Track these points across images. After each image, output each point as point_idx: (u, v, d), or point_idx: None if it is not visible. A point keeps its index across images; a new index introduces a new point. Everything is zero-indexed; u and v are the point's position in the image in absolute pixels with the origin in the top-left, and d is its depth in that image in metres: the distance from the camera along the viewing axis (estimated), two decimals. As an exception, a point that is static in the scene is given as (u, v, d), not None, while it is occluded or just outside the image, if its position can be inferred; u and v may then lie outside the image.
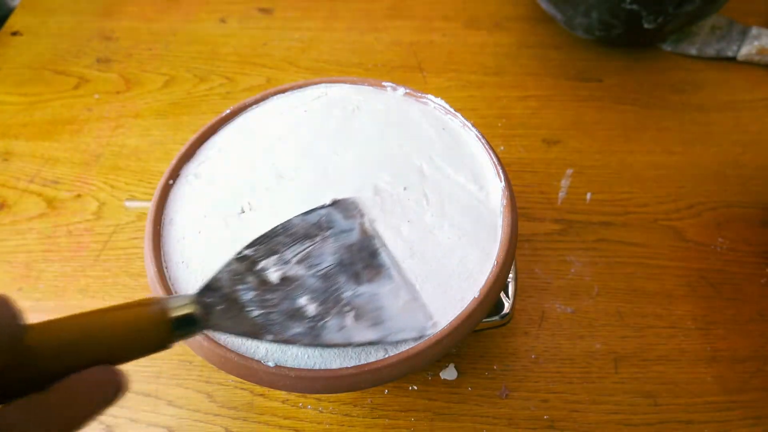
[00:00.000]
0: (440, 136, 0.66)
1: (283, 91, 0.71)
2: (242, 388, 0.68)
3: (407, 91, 0.70)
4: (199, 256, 0.57)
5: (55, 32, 1.13)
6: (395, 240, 0.57)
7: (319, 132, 0.66)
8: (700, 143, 0.89)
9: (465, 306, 0.52)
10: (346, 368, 0.50)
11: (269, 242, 0.55)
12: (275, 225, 0.56)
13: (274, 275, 0.52)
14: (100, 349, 0.38)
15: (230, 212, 0.60)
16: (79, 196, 0.87)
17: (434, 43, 1.07)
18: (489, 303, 0.54)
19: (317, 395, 0.68)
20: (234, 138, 0.67)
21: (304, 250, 0.55)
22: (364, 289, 0.53)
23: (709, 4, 0.89)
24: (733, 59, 1.01)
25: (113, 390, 0.37)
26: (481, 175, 0.62)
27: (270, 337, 0.48)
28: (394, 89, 0.70)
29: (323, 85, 0.72)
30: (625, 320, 0.72)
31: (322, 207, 0.59)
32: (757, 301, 0.73)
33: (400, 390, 0.68)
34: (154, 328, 0.41)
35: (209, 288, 0.48)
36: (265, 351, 0.52)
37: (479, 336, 0.70)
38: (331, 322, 0.51)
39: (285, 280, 0.52)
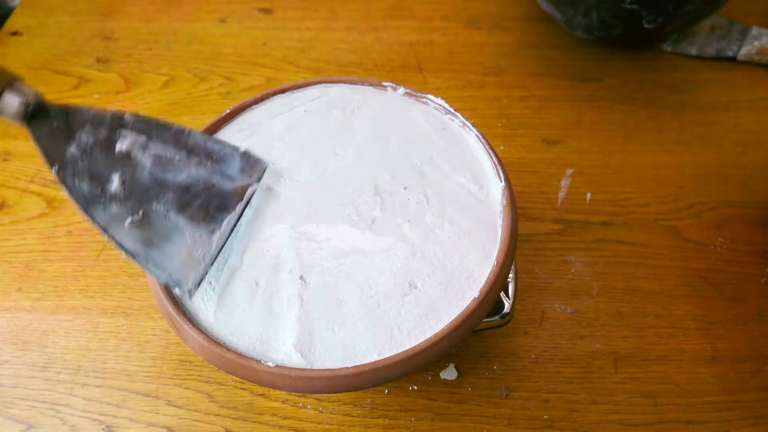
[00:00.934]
0: (440, 136, 0.66)
1: (283, 91, 0.71)
2: (242, 388, 0.68)
3: (407, 91, 0.70)
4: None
5: (55, 32, 1.13)
6: (395, 240, 0.57)
7: (318, 132, 0.66)
8: (700, 143, 0.89)
9: (465, 306, 0.52)
10: (346, 368, 0.49)
11: (154, 128, 0.56)
12: (181, 125, 0.57)
13: (123, 145, 0.53)
14: None
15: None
16: (79, 196, 0.86)
17: (434, 43, 1.07)
18: (489, 303, 0.54)
19: (317, 395, 0.68)
20: (234, 138, 0.66)
21: (172, 156, 0.56)
22: (176, 218, 0.54)
23: (709, 4, 0.89)
24: (733, 59, 1.01)
25: None
26: (481, 174, 0.62)
27: (56, 168, 0.50)
28: (394, 89, 0.70)
29: (323, 85, 0.72)
30: (625, 320, 0.72)
31: (234, 147, 0.60)
32: (756, 300, 0.73)
33: (401, 390, 0.68)
34: None
35: (66, 111, 0.51)
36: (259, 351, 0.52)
37: (479, 336, 0.70)
38: (114, 208, 0.52)
39: (125, 155, 0.54)
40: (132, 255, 0.52)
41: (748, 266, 0.76)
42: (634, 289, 0.74)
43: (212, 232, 0.55)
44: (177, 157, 0.56)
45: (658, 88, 0.98)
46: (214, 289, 0.55)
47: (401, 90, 0.70)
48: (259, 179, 0.59)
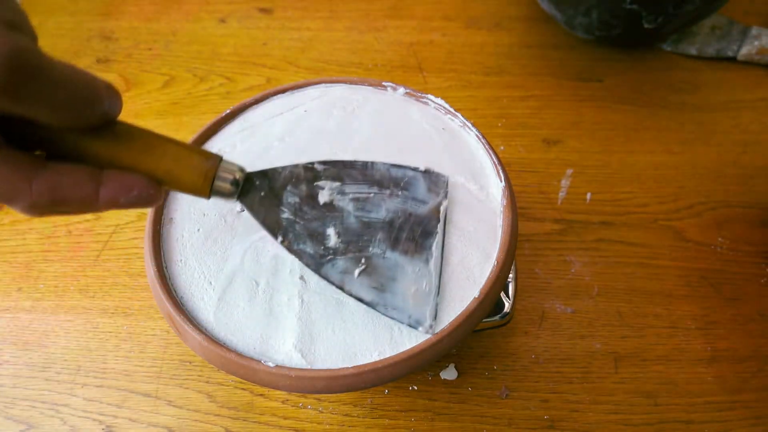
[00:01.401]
0: (440, 136, 0.66)
1: (283, 91, 0.71)
2: (242, 388, 0.69)
3: (407, 91, 0.70)
4: (198, 254, 0.57)
5: (55, 32, 1.13)
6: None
7: (318, 132, 0.66)
8: (700, 143, 0.89)
9: (465, 306, 0.52)
10: (346, 368, 0.49)
11: (342, 169, 0.56)
12: (363, 160, 0.58)
13: (324, 196, 0.54)
14: (151, 162, 0.44)
15: (229, 210, 0.60)
16: (78, 196, 0.86)
17: (434, 43, 1.07)
18: (489, 303, 0.54)
19: (317, 395, 0.68)
20: (234, 138, 0.66)
21: (367, 193, 0.56)
22: (393, 256, 0.54)
23: (709, 4, 0.89)
24: (733, 59, 1.01)
25: (146, 196, 0.43)
26: (481, 174, 0.62)
27: (281, 239, 0.52)
28: (394, 89, 0.70)
29: (323, 85, 0.72)
30: (625, 320, 0.72)
31: (414, 169, 0.60)
32: (756, 300, 0.73)
33: (401, 390, 0.68)
34: (199, 171, 0.46)
35: (265, 175, 0.52)
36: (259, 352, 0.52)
37: (479, 336, 0.70)
38: (340, 263, 0.53)
39: (330, 206, 0.54)
40: (372, 306, 0.52)
41: (748, 266, 0.76)
42: (634, 289, 0.75)
43: (427, 261, 0.55)
44: (371, 193, 0.56)
45: (658, 88, 0.98)
46: (214, 289, 0.55)
47: (401, 90, 0.70)
48: (446, 194, 0.59)
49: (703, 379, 0.68)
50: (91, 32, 1.12)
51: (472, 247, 0.57)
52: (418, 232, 0.56)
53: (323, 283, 0.55)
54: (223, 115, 0.68)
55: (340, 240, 0.54)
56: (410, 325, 0.52)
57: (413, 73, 1.02)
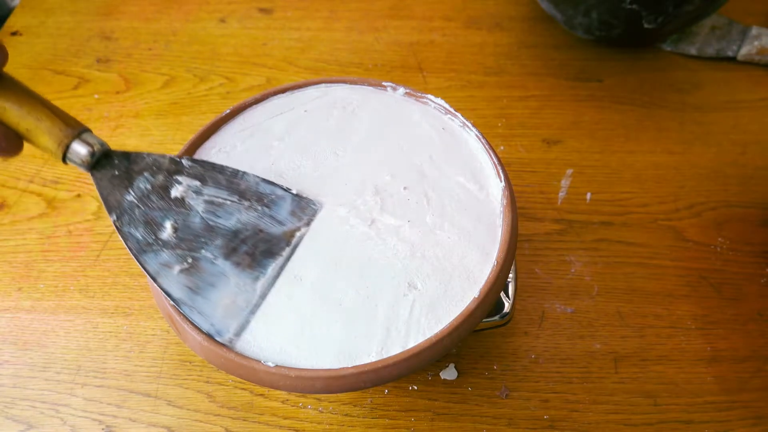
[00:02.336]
0: (440, 136, 0.66)
1: (283, 91, 0.71)
2: (242, 388, 0.69)
3: (407, 91, 0.70)
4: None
5: (55, 32, 1.13)
6: (395, 240, 0.57)
7: (318, 132, 0.66)
8: (700, 143, 0.89)
9: (465, 306, 0.52)
10: (346, 368, 0.49)
11: (208, 171, 0.57)
12: (235, 168, 0.59)
13: (177, 191, 0.55)
14: (14, 117, 0.48)
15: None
16: (79, 196, 0.87)
17: (434, 43, 1.07)
18: (489, 303, 0.54)
19: (317, 395, 0.68)
20: (234, 138, 0.66)
21: (224, 200, 0.57)
22: (223, 264, 0.55)
23: (709, 4, 0.89)
24: (733, 59, 1.01)
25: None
26: (481, 174, 0.62)
27: (114, 217, 0.52)
28: (394, 89, 0.70)
29: (323, 85, 0.72)
30: (625, 320, 0.72)
31: (286, 189, 0.60)
32: (756, 300, 0.73)
33: (401, 390, 0.68)
34: (57, 137, 0.49)
35: (127, 156, 0.54)
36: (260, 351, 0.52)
37: (479, 336, 0.70)
38: (164, 255, 0.53)
39: (179, 201, 0.55)
40: (177, 303, 0.52)
41: (748, 266, 0.76)
42: (634, 289, 0.75)
43: (256, 278, 0.55)
44: (229, 201, 0.57)
45: (658, 88, 0.98)
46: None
47: (401, 90, 0.70)
48: (309, 223, 0.59)
49: (703, 379, 0.68)
50: (91, 32, 1.12)
51: (472, 247, 0.57)
52: (260, 249, 0.56)
53: (322, 283, 0.55)
54: (223, 114, 0.68)
55: (174, 235, 0.54)
56: (208, 333, 0.52)
57: (413, 73, 1.02)
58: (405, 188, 0.61)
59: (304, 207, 0.60)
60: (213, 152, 0.65)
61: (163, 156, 0.55)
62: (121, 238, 0.53)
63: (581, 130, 0.92)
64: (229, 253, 0.55)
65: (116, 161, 0.53)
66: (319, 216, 0.59)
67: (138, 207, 0.54)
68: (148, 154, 0.55)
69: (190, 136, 0.66)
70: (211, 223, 0.55)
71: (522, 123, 0.93)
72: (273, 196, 0.59)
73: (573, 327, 0.72)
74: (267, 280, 0.55)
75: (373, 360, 0.50)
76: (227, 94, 1.00)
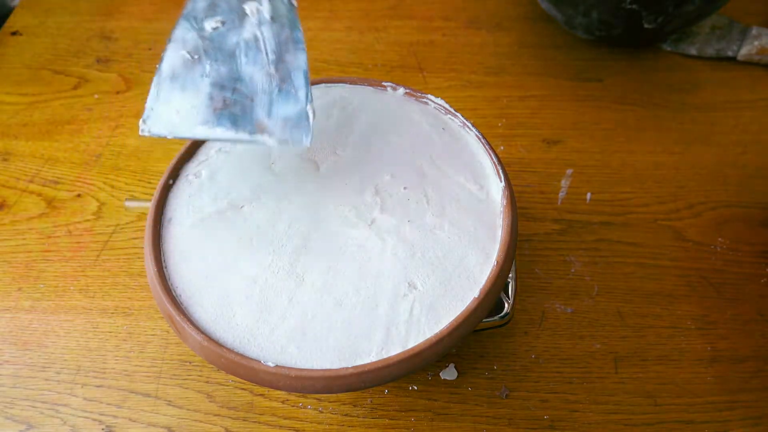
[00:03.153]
0: (440, 136, 0.66)
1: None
2: (242, 388, 0.69)
3: (407, 91, 0.70)
4: (198, 253, 0.57)
5: (55, 32, 1.13)
6: (395, 240, 0.57)
7: (319, 132, 0.66)
8: (700, 143, 0.89)
9: (465, 306, 0.52)
10: (346, 368, 0.50)
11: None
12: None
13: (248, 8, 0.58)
14: None
15: (230, 210, 0.60)
16: (79, 196, 0.87)
17: (434, 43, 1.07)
18: (489, 303, 0.54)
19: (317, 395, 0.68)
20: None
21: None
22: (205, 86, 0.56)
23: (709, 4, 0.89)
24: (733, 59, 1.01)
25: None
26: (481, 174, 0.62)
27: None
28: (394, 89, 0.70)
29: (323, 85, 0.72)
30: (625, 320, 0.72)
31: None
32: (756, 300, 0.73)
33: (401, 390, 0.68)
34: None
35: None
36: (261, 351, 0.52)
37: (479, 336, 0.70)
38: (194, 38, 0.57)
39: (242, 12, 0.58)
40: (157, 75, 0.55)
41: (748, 266, 0.76)
42: (634, 289, 0.75)
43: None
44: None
45: (658, 88, 0.98)
46: (213, 289, 0.55)
47: (401, 90, 0.70)
48: None
49: (703, 379, 0.68)
50: (91, 32, 1.12)
51: (472, 247, 0.57)
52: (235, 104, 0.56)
53: (322, 283, 0.55)
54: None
55: (213, 32, 0.58)
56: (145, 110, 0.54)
57: (413, 73, 1.02)
58: (405, 188, 0.61)
59: None
60: (213, 152, 0.65)
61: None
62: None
63: (581, 130, 0.92)
64: (218, 87, 0.55)
65: None
66: (320, 216, 0.59)
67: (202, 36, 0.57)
68: None
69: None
70: (236, 54, 0.56)
71: (522, 123, 0.93)
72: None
73: (573, 327, 0.72)
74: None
75: (374, 360, 0.50)
76: (227, 95, 1.00)
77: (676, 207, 0.82)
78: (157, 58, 1.00)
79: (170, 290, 0.55)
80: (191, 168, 0.64)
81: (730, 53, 1.00)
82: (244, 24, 0.56)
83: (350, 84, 0.72)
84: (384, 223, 0.58)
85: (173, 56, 0.56)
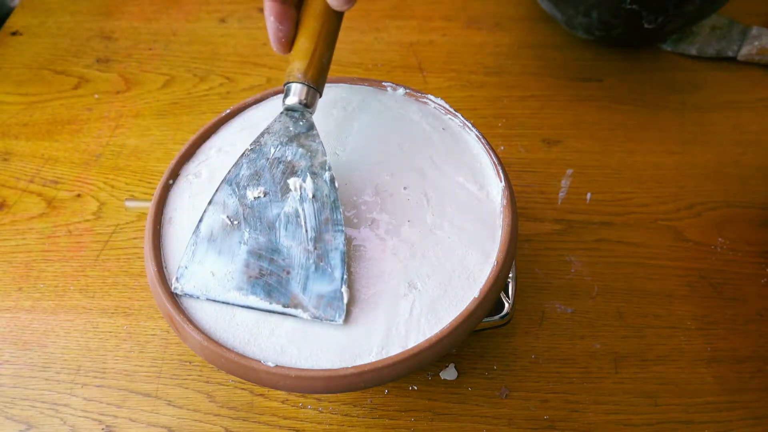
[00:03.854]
0: (440, 136, 0.66)
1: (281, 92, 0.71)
2: (242, 388, 0.69)
3: (407, 91, 0.70)
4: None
5: (55, 32, 1.13)
6: (395, 240, 0.57)
7: (319, 132, 0.66)
8: (700, 143, 0.89)
9: (465, 306, 0.53)
10: (346, 368, 0.50)
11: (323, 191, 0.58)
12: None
13: (292, 181, 0.58)
14: None
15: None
16: (79, 196, 0.87)
17: (434, 43, 1.07)
18: (489, 303, 0.54)
19: (317, 395, 0.68)
20: (234, 137, 0.67)
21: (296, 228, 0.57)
22: (243, 252, 0.56)
23: (710, 4, 0.89)
24: (733, 59, 1.01)
25: None
26: (481, 174, 0.62)
27: (250, 144, 0.59)
28: (394, 89, 0.70)
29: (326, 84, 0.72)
30: (625, 320, 0.72)
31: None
32: (756, 300, 0.73)
33: (401, 390, 0.68)
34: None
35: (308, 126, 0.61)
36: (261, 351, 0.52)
37: (479, 336, 0.71)
38: (234, 204, 0.57)
39: (285, 187, 0.58)
40: (194, 234, 0.56)
41: (748, 266, 0.76)
42: (634, 289, 0.75)
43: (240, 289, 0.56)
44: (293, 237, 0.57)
45: (658, 88, 0.98)
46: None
47: (401, 90, 0.70)
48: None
49: (703, 379, 0.68)
50: (91, 32, 1.12)
51: (472, 247, 0.57)
52: (272, 281, 0.56)
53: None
54: (223, 114, 0.68)
55: (254, 201, 0.58)
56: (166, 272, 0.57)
57: (413, 73, 1.02)
58: (405, 188, 0.61)
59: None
60: (213, 152, 0.66)
61: (320, 147, 0.59)
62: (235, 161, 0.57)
63: (581, 130, 0.92)
64: (255, 255, 0.56)
65: (297, 119, 0.60)
66: None
67: (263, 152, 0.58)
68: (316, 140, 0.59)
69: (190, 136, 0.66)
70: (276, 226, 0.56)
71: (522, 123, 0.93)
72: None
73: (573, 327, 0.72)
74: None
75: (374, 360, 0.50)
76: (227, 94, 1.00)
77: (676, 207, 0.82)
78: (158, 58, 1.00)
79: (170, 290, 0.55)
80: (191, 168, 0.64)
81: (730, 53, 1.00)
82: (287, 198, 0.57)
83: (350, 84, 0.72)
84: (384, 223, 0.58)
85: (213, 218, 0.56)
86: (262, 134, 0.60)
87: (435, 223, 0.58)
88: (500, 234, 0.58)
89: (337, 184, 0.57)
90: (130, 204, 0.85)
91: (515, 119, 0.94)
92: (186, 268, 0.55)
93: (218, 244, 0.56)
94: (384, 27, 1.10)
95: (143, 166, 0.90)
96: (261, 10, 1.14)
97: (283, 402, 0.68)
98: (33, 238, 0.83)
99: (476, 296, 0.53)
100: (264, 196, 0.57)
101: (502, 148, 0.89)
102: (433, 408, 0.67)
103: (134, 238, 0.82)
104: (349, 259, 0.56)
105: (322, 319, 0.52)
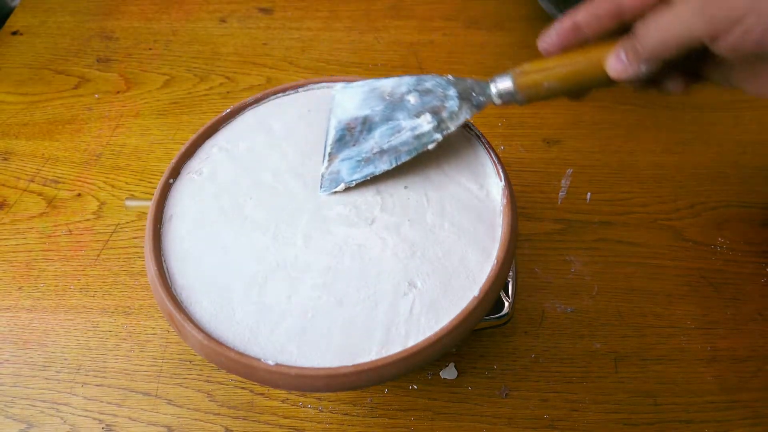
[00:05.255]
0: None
1: (284, 91, 0.71)
2: (242, 387, 0.69)
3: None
4: (198, 252, 0.58)
5: (55, 32, 1.13)
6: (395, 239, 0.57)
7: (319, 131, 0.67)
8: (700, 143, 0.90)
9: (465, 305, 0.53)
10: (347, 366, 0.50)
11: None
12: None
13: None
14: None
15: (230, 209, 0.61)
16: (79, 195, 0.88)
17: (434, 43, 1.07)
18: (489, 301, 0.54)
19: (317, 394, 0.68)
20: (235, 136, 0.67)
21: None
22: None
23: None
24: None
25: None
26: (481, 174, 0.63)
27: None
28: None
29: (324, 84, 0.72)
30: (625, 320, 0.72)
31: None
32: (756, 300, 0.74)
33: (401, 389, 0.68)
34: None
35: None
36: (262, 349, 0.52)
37: (479, 335, 0.71)
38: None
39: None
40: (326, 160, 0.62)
41: (748, 266, 0.77)
42: (634, 288, 0.75)
43: None
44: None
45: (658, 88, 0.98)
46: (214, 287, 0.55)
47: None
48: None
49: (703, 378, 0.68)
50: (91, 31, 1.12)
51: (472, 247, 0.57)
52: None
53: (322, 282, 0.55)
54: (224, 114, 0.68)
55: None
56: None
57: (414, 73, 1.02)
58: (405, 187, 0.61)
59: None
60: (214, 150, 0.66)
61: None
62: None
63: (581, 130, 0.92)
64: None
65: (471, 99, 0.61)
66: (320, 216, 0.59)
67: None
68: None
69: (191, 136, 0.66)
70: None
71: (522, 123, 0.93)
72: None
73: (573, 326, 0.72)
74: None
75: (374, 359, 0.50)
76: (227, 94, 1.00)
77: (676, 207, 0.82)
78: (158, 58, 1.01)
79: (170, 289, 0.55)
80: (193, 166, 0.65)
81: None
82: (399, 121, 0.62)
83: (350, 82, 0.72)
84: (384, 222, 0.58)
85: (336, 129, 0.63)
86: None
87: (435, 223, 0.58)
88: (500, 233, 0.58)
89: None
90: (130, 203, 0.85)
91: (515, 119, 0.94)
92: (326, 168, 0.61)
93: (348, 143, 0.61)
94: (384, 27, 1.10)
95: (143, 166, 0.91)
96: (261, 9, 1.14)
97: (283, 401, 0.68)
98: (33, 238, 0.83)
99: (476, 295, 0.53)
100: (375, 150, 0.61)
101: (502, 147, 0.89)
102: (433, 407, 0.67)
103: (134, 238, 0.82)
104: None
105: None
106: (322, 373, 0.50)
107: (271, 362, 0.50)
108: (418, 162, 0.63)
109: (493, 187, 0.61)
